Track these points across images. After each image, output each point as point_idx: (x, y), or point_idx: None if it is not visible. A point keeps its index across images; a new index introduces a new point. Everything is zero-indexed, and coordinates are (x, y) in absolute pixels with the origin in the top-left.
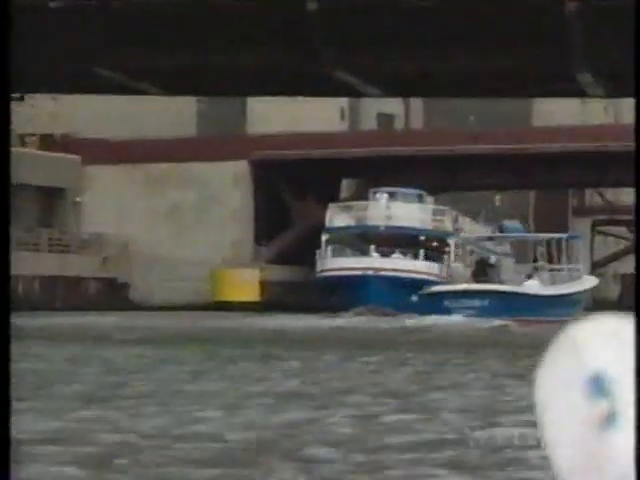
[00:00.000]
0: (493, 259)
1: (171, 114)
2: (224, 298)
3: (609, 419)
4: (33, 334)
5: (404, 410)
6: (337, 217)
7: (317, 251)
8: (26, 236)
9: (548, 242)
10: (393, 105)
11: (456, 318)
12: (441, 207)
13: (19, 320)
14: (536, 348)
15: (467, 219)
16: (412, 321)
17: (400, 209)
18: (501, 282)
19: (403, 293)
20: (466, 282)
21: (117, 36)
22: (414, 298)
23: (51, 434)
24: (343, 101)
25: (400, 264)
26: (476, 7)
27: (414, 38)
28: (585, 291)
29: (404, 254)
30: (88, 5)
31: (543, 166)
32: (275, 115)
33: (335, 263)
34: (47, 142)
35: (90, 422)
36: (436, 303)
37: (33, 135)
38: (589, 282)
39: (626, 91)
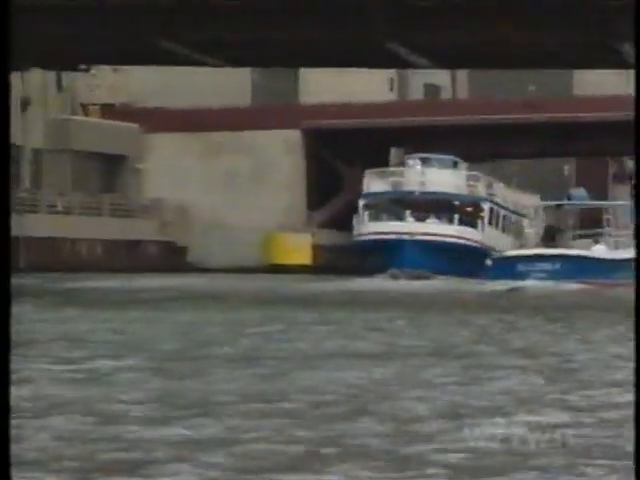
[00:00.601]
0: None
1: (227, 85)
2: (277, 262)
3: None
4: (140, 298)
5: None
6: (374, 183)
7: (354, 215)
8: (89, 201)
9: (613, 209)
10: (440, 76)
11: (532, 282)
12: (475, 173)
13: (110, 283)
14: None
15: (501, 185)
16: (500, 285)
17: (434, 175)
18: (569, 247)
19: (437, 256)
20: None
21: (181, 11)
22: (488, 262)
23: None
24: (392, 72)
25: (435, 228)
26: None
27: (461, 12)
28: None
29: (439, 219)
30: None
31: (583, 134)
32: (326, 86)
33: (371, 227)
34: (108, 111)
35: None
36: (510, 267)
37: (95, 105)
38: None
39: None
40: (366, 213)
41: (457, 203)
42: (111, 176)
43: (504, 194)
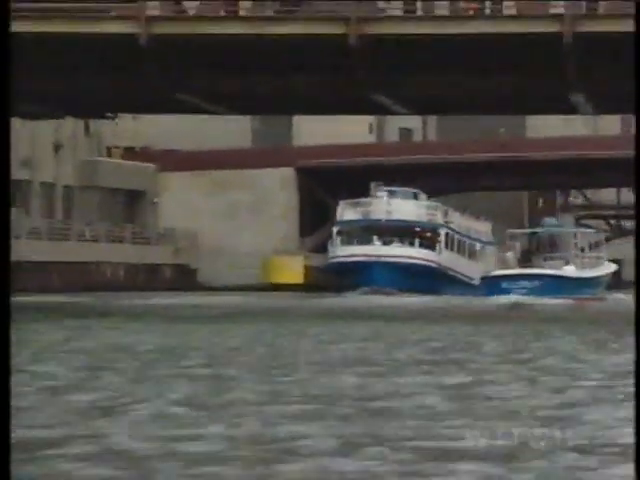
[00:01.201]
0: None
1: (230, 130)
2: (275, 280)
3: None
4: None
5: None
6: (346, 212)
7: (329, 240)
8: (113, 230)
9: (580, 235)
10: (412, 121)
11: (514, 297)
12: (433, 203)
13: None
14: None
15: (457, 213)
16: (501, 299)
17: (398, 205)
18: (543, 267)
19: (401, 276)
20: (514, 268)
21: (194, 67)
22: (477, 281)
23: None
24: (371, 118)
25: (398, 251)
26: (485, 39)
27: (431, 67)
28: (607, 274)
29: (402, 242)
30: (170, 42)
31: (535, 170)
32: (316, 130)
33: (343, 251)
34: (129, 153)
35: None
36: (496, 284)
37: (118, 148)
38: (610, 267)
39: (611, 109)
40: (339, 238)
41: (417, 229)
42: (132, 209)
43: (459, 221)
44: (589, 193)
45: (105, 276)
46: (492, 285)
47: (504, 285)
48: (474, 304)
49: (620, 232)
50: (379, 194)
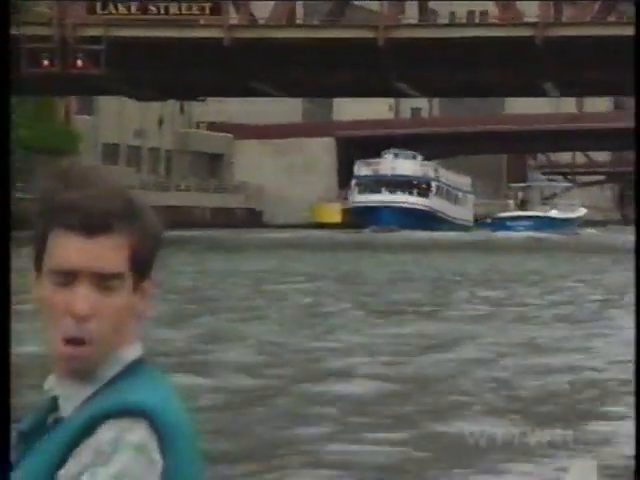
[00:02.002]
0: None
1: (286, 108)
2: (320, 220)
3: None
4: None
5: None
6: (361, 169)
7: (348, 190)
8: (201, 183)
9: (559, 187)
10: (421, 102)
11: (515, 233)
12: (426, 162)
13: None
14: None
15: (444, 170)
16: (500, 234)
17: (400, 164)
18: (535, 211)
19: (403, 217)
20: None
21: (263, 62)
22: (488, 220)
23: None
24: (391, 100)
25: (401, 198)
26: (476, 41)
27: (437, 62)
28: (580, 216)
29: (403, 192)
30: (246, 44)
31: (511, 138)
32: (350, 109)
33: (359, 198)
34: (212, 126)
35: None
36: (502, 223)
37: (204, 122)
38: (581, 211)
39: (573, 93)
40: (356, 189)
41: (415, 182)
42: (214, 167)
43: (446, 176)
44: (551, 156)
45: (195, 217)
46: (499, 224)
47: (508, 224)
48: (497, 237)
49: (576, 185)
50: (386, 156)
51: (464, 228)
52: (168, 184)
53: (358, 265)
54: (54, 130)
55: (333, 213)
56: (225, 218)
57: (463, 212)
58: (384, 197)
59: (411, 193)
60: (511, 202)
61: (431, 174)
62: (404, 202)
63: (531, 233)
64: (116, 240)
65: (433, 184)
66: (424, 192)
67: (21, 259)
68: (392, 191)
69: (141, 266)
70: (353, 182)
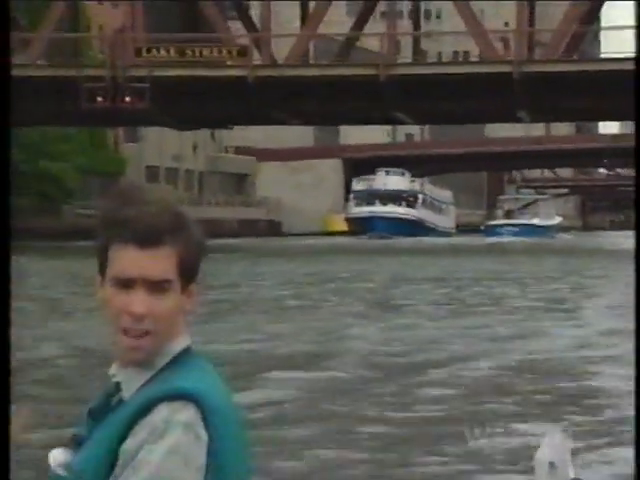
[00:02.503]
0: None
1: (300, 134)
2: (329, 229)
3: None
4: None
5: None
6: (357, 184)
7: (346, 203)
8: (228, 198)
9: (540, 199)
10: (414, 128)
11: (507, 237)
12: (413, 178)
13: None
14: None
15: (429, 184)
16: (492, 239)
17: (391, 179)
18: (520, 219)
19: (393, 226)
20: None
21: (281, 96)
22: (482, 227)
23: None
24: (388, 127)
25: (392, 209)
26: (461, 76)
27: (429, 94)
28: (557, 223)
29: (394, 204)
30: (267, 81)
31: (492, 158)
32: (354, 134)
33: (356, 210)
34: (239, 150)
35: None
36: (492, 230)
37: (232, 147)
38: (558, 219)
39: (544, 120)
40: (353, 201)
41: (404, 195)
42: (240, 185)
43: (431, 189)
44: (525, 172)
45: (224, 227)
46: (491, 230)
47: (497, 230)
48: (486, 242)
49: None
50: (379, 173)
51: (447, 235)
52: (201, 200)
53: (361, 266)
54: (106, 156)
55: (340, 223)
56: (249, 228)
57: (446, 221)
58: (377, 208)
59: (400, 205)
60: (499, 211)
61: (417, 188)
62: (394, 212)
63: (516, 238)
64: (166, 250)
65: (419, 197)
66: (412, 204)
67: (90, 267)
68: (384, 203)
69: (188, 271)
70: (351, 196)
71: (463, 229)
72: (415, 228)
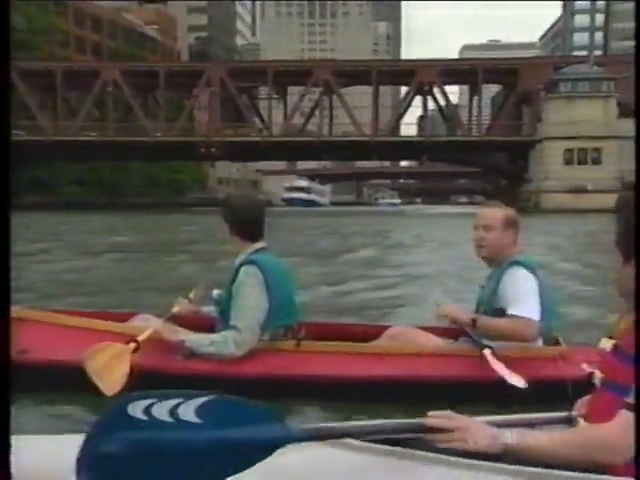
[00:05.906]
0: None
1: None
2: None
3: None
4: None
5: None
6: (292, 183)
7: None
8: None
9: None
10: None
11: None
12: (312, 181)
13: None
14: None
15: (316, 184)
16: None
17: (303, 181)
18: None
19: (303, 202)
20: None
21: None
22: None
23: None
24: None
25: (302, 195)
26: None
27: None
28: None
29: (303, 192)
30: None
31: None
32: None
33: (289, 194)
34: (237, 184)
35: None
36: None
37: (224, 179)
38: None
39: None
40: (286, 192)
41: (306, 188)
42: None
43: (317, 187)
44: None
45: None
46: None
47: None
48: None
49: None
50: (298, 179)
51: (326, 206)
52: None
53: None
54: (199, 172)
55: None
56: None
57: (324, 200)
58: (297, 194)
59: (307, 193)
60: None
61: (312, 185)
62: (303, 196)
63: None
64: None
65: (312, 189)
66: (309, 192)
67: None
68: (298, 191)
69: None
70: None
71: (334, 204)
72: (311, 204)
